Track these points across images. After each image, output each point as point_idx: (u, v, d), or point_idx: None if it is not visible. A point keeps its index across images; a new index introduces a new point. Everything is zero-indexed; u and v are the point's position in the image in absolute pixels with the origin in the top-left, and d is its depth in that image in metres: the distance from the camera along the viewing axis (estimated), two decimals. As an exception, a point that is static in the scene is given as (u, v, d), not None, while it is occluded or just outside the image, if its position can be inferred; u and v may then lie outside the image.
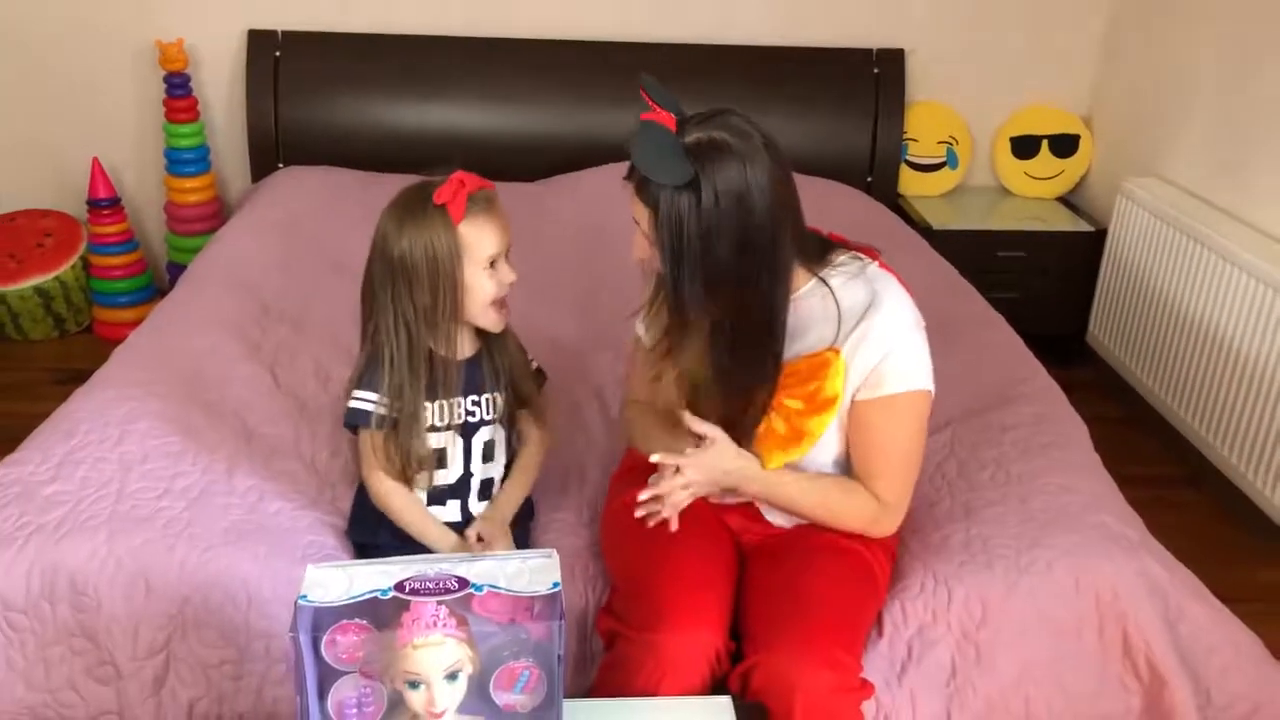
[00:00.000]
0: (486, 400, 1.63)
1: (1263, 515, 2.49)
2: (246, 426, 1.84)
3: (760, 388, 1.46)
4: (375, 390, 1.55)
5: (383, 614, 1.13)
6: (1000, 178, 3.50)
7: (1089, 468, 1.82)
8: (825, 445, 1.51)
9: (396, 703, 1.16)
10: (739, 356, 1.44)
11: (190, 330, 2.14)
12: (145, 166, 3.41)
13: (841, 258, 1.49)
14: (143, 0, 3.23)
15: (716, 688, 1.41)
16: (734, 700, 1.35)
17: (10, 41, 3.25)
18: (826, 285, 1.46)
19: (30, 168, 3.38)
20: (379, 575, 1.15)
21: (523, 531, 1.69)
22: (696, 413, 1.48)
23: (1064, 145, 3.41)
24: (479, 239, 1.51)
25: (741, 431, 1.49)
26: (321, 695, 1.16)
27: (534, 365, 1.72)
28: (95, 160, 3.24)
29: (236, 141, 3.38)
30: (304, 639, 1.12)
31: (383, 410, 1.55)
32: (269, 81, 3.24)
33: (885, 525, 1.53)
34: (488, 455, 1.64)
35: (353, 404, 1.57)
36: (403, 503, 1.59)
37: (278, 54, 3.25)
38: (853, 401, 1.46)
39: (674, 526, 1.45)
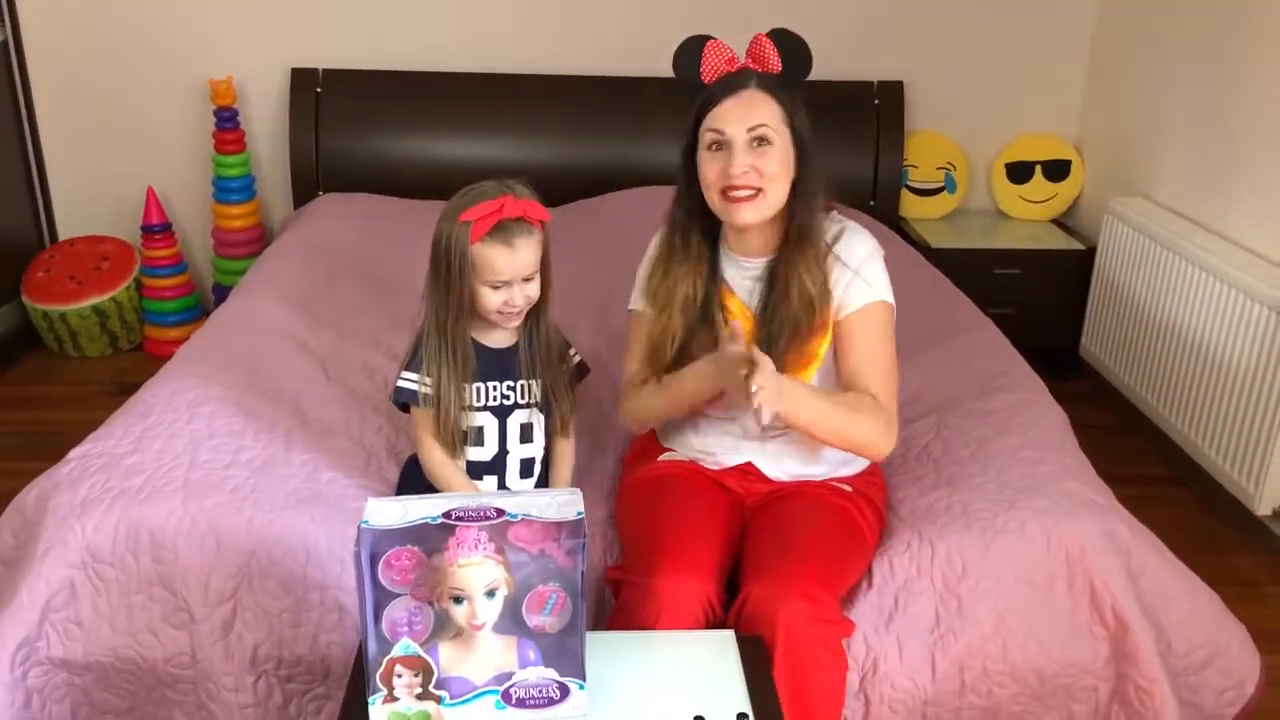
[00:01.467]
0: (522, 386, 1.78)
1: (1242, 508, 2.64)
2: (300, 410, 2.04)
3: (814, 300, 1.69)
4: (416, 371, 1.72)
5: (432, 539, 1.32)
6: (997, 201, 3.69)
7: (1063, 445, 1.99)
8: (824, 370, 1.72)
9: (443, 622, 1.35)
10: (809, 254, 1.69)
11: (245, 333, 2.35)
12: (194, 195, 3.65)
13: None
14: (195, 40, 3.50)
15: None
16: (735, 634, 1.53)
17: (73, 81, 3.52)
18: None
19: (90, 197, 3.64)
20: (430, 505, 1.34)
21: None
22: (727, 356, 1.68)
23: (1056, 170, 3.61)
24: (488, 264, 1.64)
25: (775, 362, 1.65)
26: (377, 617, 1.34)
27: (575, 358, 1.85)
28: (150, 189, 3.49)
29: (279, 171, 3.63)
30: (364, 557, 1.31)
31: (426, 389, 1.71)
32: (310, 116, 3.49)
33: (890, 435, 1.70)
34: (525, 437, 1.79)
35: (400, 383, 1.74)
36: (451, 474, 1.74)
37: (318, 90, 3.50)
38: (837, 320, 1.71)
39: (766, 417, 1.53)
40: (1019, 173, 3.63)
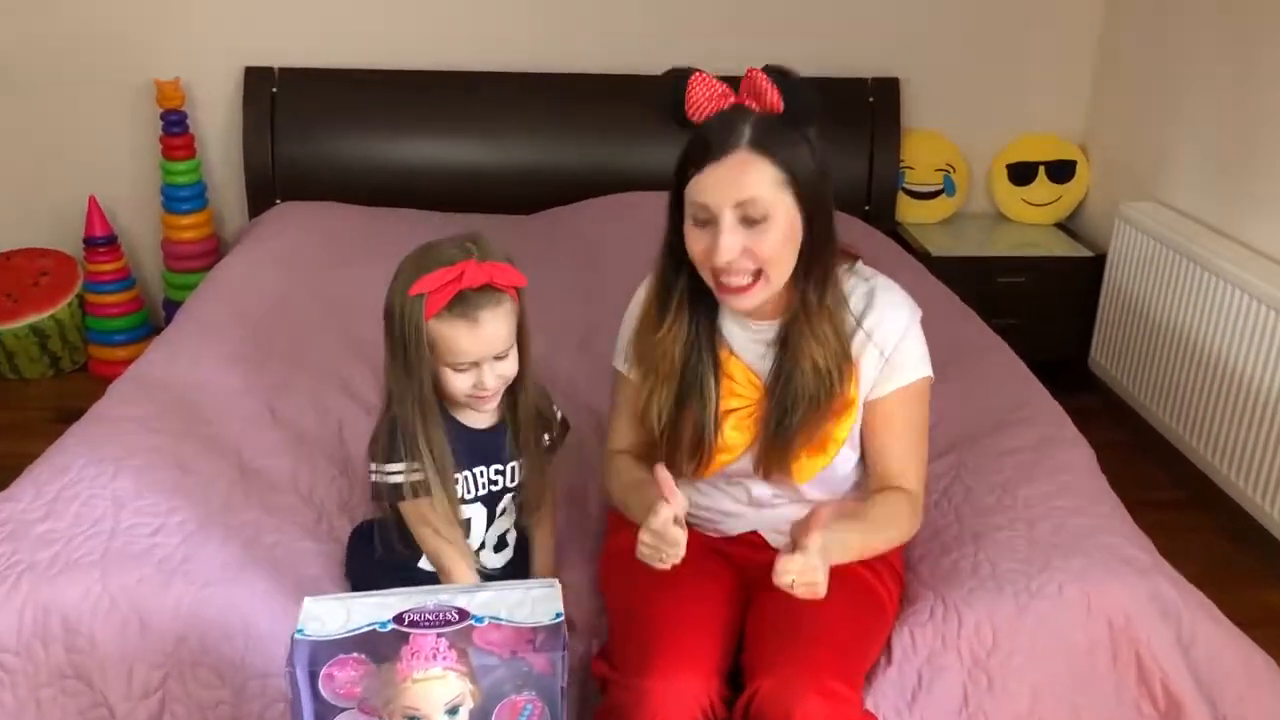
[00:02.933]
0: (512, 469, 1.55)
1: (1271, 537, 2.46)
2: (243, 460, 1.82)
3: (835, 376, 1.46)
4: (397, 460, 1.45)
5: (381, 647, 1.11)
6: (998, 204, 3.50)
7: (1096, 490, 1.80)
8: (845, 454, 1.51)
9: (398, 736, 1.13)
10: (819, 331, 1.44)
11: (186, 365, 2.12)
12: (142, 205, 3.40)
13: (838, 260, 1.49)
14: (140, 40, 3.24)
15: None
16: (741, 733, 1.32)
17: (7, 81, 3.26)
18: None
19: (27, 206, 3.38)
20: (377, 607, 1.13)
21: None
22: (726, 443, 1.49)
23: (1061, 171, 3.42)
24: (449, 344, 1.40)
25: (787, 443, 1.47)
26: (321, 733, 1.13)
27: (559, 415, 1.64)
28: (92, 198, 3.24)
29: (233, 178, 3.38)
30: (301, 674, 1.10)
31: (415, 477, 1.45)
32: (266, 118, 3.25)
33: (918, 519, 1.53)
34: (502, 512, 1.58)
35: (377, 479, 1.47)
36: (461, 572, 1.48)
37: (274, 90, 3.26)
38: (868, 401, 1.48)
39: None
40: (1021, 174, 3.43)
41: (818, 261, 1.42)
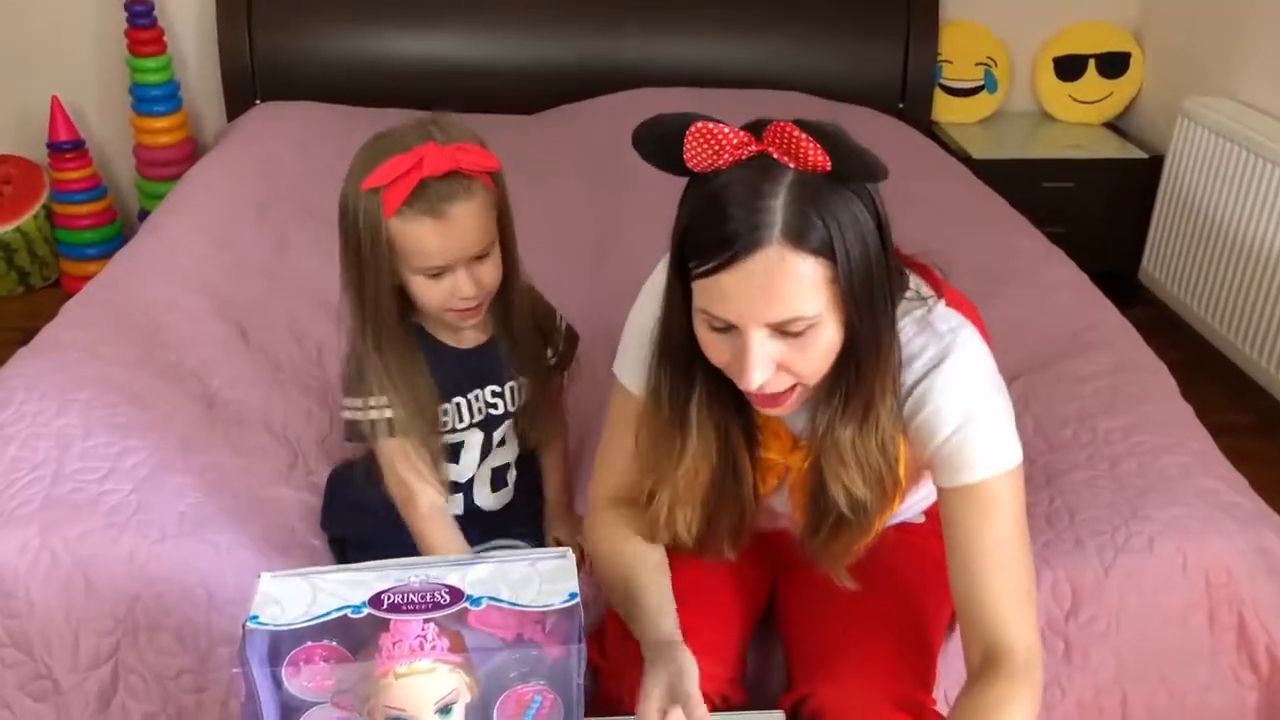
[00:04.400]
0: (511, 389, 1.33)
1: (1348, 466, 2.26)
2: (208, 392, 1.59)
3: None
4: (361, 395, 1.24)
5: (356, 635, 0.90)
6: (1042, 102, 3.21)
7: (1184, 422, 1.57)
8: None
9: (380, 735, 0.93)
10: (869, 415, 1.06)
11: (151, 282, 1.88)
12: (110, 106, 3.13)
13: (909, 291, 1.09)
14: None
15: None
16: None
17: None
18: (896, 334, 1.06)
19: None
20: (349, 586, 0.91)
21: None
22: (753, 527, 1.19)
23: (1112, 65, 3.12)
24: (415, 246, 1.17)
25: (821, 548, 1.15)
26: (286, 732, 0.93)
27: (563, 324, 1.41)
28: (55, 99, 2.97)
29: (209, 76, 3.10)
30: (258, 670, 0.89)
31: (383, 413, 1.24)
32: (242, 8, 2.96)
33: (1038, 681, 1.07)
34: (501, 443, 1.37)
35: (346, 414, 1.27)
36: (444, 537, 1.27)
37: (250, -23, 2.96)
38: (940, 488, 1.09)
39: None
40: (1069, 68, 3.14)
41: (861, 383, 1.03)
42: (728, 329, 0.99)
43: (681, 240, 0.99)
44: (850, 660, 1.13)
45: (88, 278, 2.94)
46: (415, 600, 0.90)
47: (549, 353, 1.38)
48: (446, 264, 1.18)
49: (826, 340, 0.99)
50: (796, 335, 0.98)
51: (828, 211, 0.94)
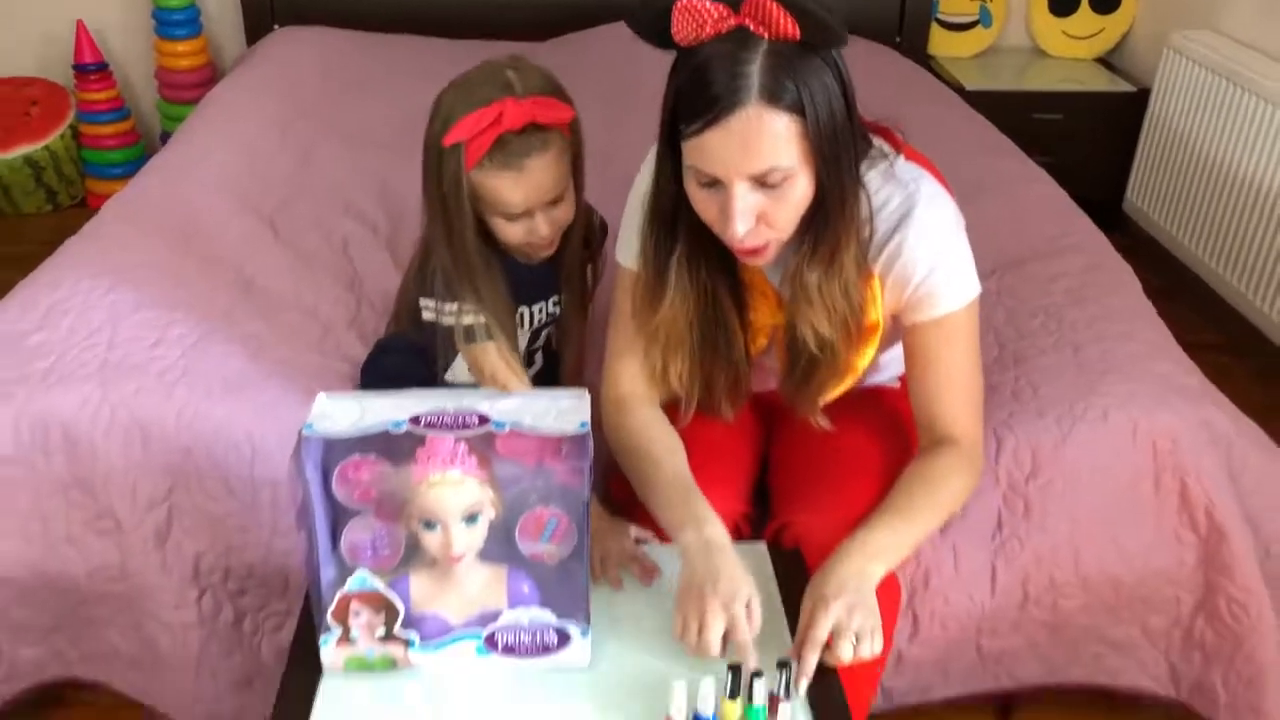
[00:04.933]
0: (563, 299, 1.46)
1: (1310, 381, 2.39)
2: (244, 277, 1.73)
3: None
4: (451, 301, 1.33)
5: (397, 449, 1.04)
6: (1035, 37, 3.30)
7: (1144, 315, 1.70)
8: (877, 367, 1.36)
9: (414, 547, 1.08)
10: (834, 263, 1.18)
11: (183, 185, 2.01)
12: (134, 30, 3.23)
13: (873, 149, 1.22)
14: None
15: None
16: (770, 548, 1.27)
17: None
18: (863, 187, 1.19)
19: (10, 32, 3.20)
20: (393, 407, 1.05)
21: None
22: (749, 380, 1.33)
23: (1105, 0, 3.21)
24: (494, 194, 1.27)
25: (802, 386, 1.29)
26: (334, 538, 1.07)
27: (596, 219, 1.51)
28: (80, 23, 3.07)
29: (228, 3, 3.20)
30: (312, 474, 1.03)
31: (476, 320, 1.33)
32: (261, -65, 3.05)
33: (975, 475, 1.29)
34: (542, 344, 1.50)
35: (428, 315, 1.36)
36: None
37: (269, -97, 3.05)
38: (904, 325, 1.26)
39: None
40: (1063, 3, 3.23)
41: (830, 227, 1.15)
42: (714, 184, 1.11)
43: (672, 106, 1.11)
44: (826, 493, 1.27)
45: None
46: (449, 421, 1.03)
47: (589, 271, 1.50)
48: (525, 209, 1.28)
49: (800, 192, 1.11)
50: (774, 187, 1.10)
51: (798, 75, 1.06)
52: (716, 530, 1.15)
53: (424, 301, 1.37)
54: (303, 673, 1.09)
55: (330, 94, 2.58)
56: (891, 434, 1.36)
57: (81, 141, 3.18)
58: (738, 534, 1.30)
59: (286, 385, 1.48)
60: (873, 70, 2.51)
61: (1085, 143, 3.05)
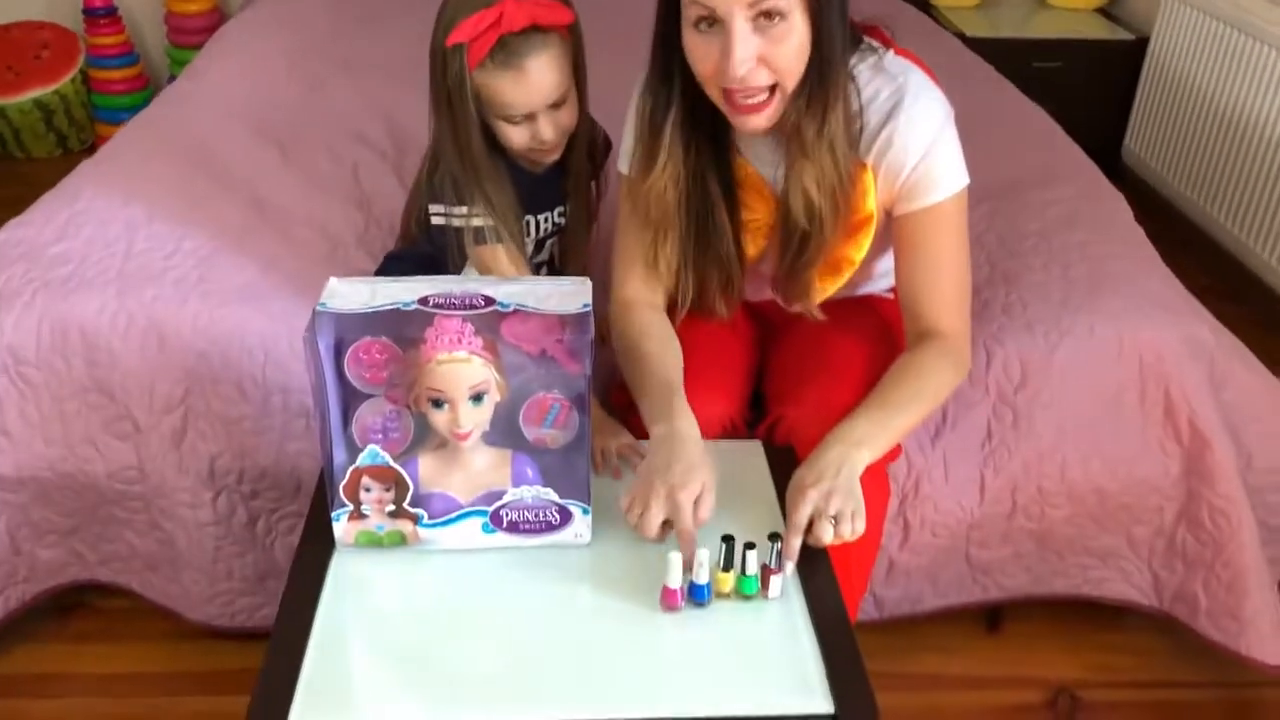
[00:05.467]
0: (572, 206, 1.49)
1: (1303, 322, 2.43)
2: (256, 196, 1.77)
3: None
4: (461, 204, 1.36)
5: (406, 330, 1.08)
6: (1038, -12, 3.33)
7: (1134, 240, 1.75)
8: (869, 266, 1.40)
9: (424, 431, 1.12)
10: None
11: (194, 113, 2.05)
12: (141, -26, 3.26)
13: (862, 44, 1.27)
14: None
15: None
16: (764, 445, 1.32)
17: None
18: (853, 80, 1.24)
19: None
20: (403, 290, 1.09)
21: None
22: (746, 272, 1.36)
23: (1107, -50, 3.23)
24: (496, 96, 1.30)
25: (798, 271, 1.32)
26: (345, 421, 1.12)
27: (600, 134, 1.54)
28: (89, -36, 3.10)
29: (236, -53, 3.23)
30: (325, 352, 1.07)
31: (485, 223, 1.36)
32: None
33: (963, 370, 1.33)
34: (545, 255, 1.54)
35: (438, 220, 1.38)
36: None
37: None
38: (891, 216, 1.30)
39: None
40: (1065, -46, 3.25)
41: (822, 80, 1.18)
42: (712, 24, 1.14)
43: None
44: (815, 389, 1.32)
45: (123, 139, 3.14)
46: (455, 301, 1.08)
47: (593, 185, 1.53)
48: (527, 112, 1.31)
49: (797, 37, 1.15)
50: (771, 23, 1.13)
51: None
52: (686, 424, 1.19)
53: (433, 207, 1.40)
54: (317, 547, 1.14)
55: (338, 29, 2.60)
56: (881, 339, 1.40)
57: (91, 86, 3.21)
58: (734, 433, 1.35)
59: (297, 295, 1.52)
60: (869, 11, 2.55)
61: (1084, 91, 3.07)
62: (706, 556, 1.06)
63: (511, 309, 1.08)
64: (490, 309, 1.08)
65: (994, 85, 2.41)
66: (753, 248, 1.36)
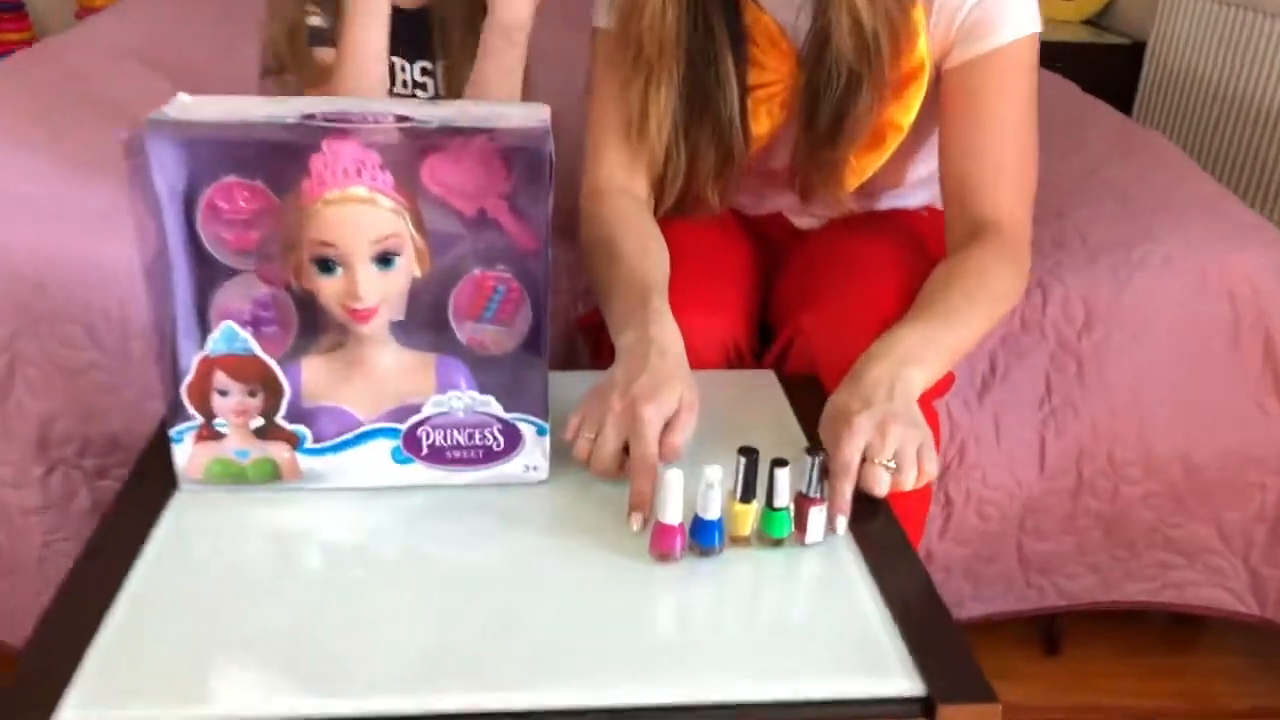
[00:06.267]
0: (444, 68, 1.22)
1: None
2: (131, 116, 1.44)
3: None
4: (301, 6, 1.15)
5: (285, 167, 0.75)
6: (1021, -2, 3.15)
7: (1192, 169, 1.47)
8: (916, 160, 1.12)
9: (311, 327, 0.79)
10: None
11: (80, 52, 1.72)
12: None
13: None
14: None
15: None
16: (779, 375, 0.99)
17: None
18: None
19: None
20: (277, 108, 0.77)
21: None
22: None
23: (1091, -40, 3.07)
24: None
25: (827, 139, 1.05)
26: (201, 307, 0.78)
27: None
28: (-5, -41, 2.82)
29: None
30: (167, 197, 0.74)
31: (314, 21, 1.15)
32: None
33: (1026, 267, 1.03)
34: None
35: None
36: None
37: None
38: (943, 71, 1.02)
39: None
40: (1049, -38, 3.08)
41: None
42: None
43: None
44: (835, 294, 1.00)
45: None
46: (355, 120, 0.76)
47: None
48: None
49: None
50: None
51: None
52: (665, 332, 0.87)
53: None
54: (146, 487, 0.79)
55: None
56: (917, 250, 1.10)
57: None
58: (738, 362, 1.02)
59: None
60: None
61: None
62: (718, 476, 0.72)
63: (434, 126, 0.76)
64: (404, 128, 0.76)
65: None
66: (764, 123, 1.06)
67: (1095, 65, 2.88)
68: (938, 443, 1.01)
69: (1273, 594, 1.28)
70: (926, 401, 0.98)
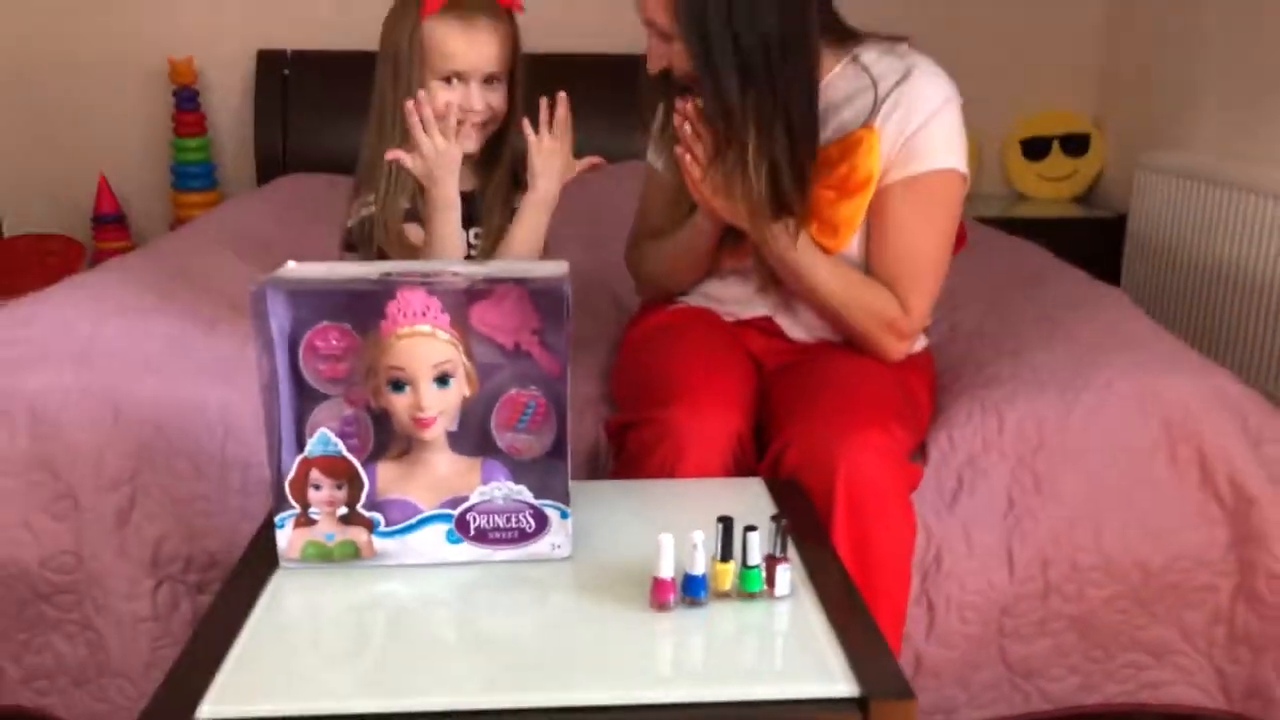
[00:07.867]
0: (481, 236, 1.50)
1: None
2: (233, 299, 1.72)
3: (800, 186, 1.31)
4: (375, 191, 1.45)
5: (367, 313, 1.00)
6: (1013, 183, 3.45)
7: (1140, 318, 1.68)
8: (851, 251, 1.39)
9: (384, 438, 1.01)
10: (785, 151, 1.29)
11: (176, 249, 2.04)
12: (151, 185, 3.38)
13: (870, 40, 1.39)
14: (152, 22, 3.28)
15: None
16: (767, 481, 1.19)
17: (19, 62, 3.28)
18: (858, 63, 1.36)
19: (37, 189, 3.36)
20: (362, 270, 1.02)
21: None
22: (729, 241, 1.41)
23: (1075, 145, 3.38)
24: (441, 45, 1.39)
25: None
26: (299, 422, 1.01)
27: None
28: (102, 176, 3.23)
29: (244, 161, 3.37)
30: (278, 337, 0.98)
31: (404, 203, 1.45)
32: (277, 100, 3.25)
33: (901, 334, 1.36)
34: None
35: (351, 222, 1.47)
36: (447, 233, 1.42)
37: (286, 73, 3.27)
38: (880, 186, 1.33)
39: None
40: (1035, 149, 3.39)
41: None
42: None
43: None
44: (823, 411, 1.21)
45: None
46: (419, 276, 1.00)
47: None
48: (464, 70, 1.38)
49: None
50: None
51: None
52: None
53: (353, 208, 1.46)
54: (253, 567, 1.00)
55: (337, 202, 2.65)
56: (891, 384, 1.34)
57: (91, 289, 3.25)
58: (742, 456, 1.24)
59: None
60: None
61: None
62: (700, 539, 0.92)
63: (480, 277, 1.00)
64: (458, 280, 1.00)
65: (983, 230, 2.44)
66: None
67: (1082, 240, 3.15)
68: (914, 545, 1.21)
69: (1238, 687, 1.40)
70: (903, 496, 1.19)
